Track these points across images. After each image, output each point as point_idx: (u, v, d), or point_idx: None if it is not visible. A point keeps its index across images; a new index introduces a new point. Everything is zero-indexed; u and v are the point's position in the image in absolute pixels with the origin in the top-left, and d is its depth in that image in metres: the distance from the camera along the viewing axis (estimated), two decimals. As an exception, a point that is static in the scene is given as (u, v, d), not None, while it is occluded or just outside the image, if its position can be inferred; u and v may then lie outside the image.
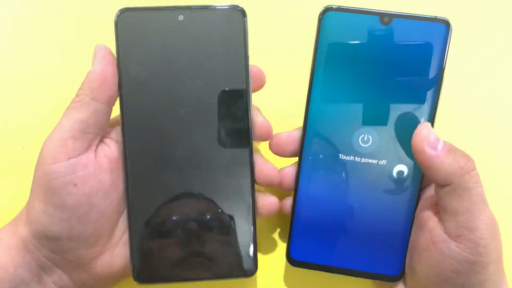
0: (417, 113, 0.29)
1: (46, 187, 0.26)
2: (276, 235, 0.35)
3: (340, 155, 0.30)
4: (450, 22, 0.28)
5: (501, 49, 0.37)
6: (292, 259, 0.30)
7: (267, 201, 0.30)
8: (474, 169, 0.26)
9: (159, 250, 0.29)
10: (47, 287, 0.28)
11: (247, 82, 0.29)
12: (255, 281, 0.34)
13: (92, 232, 0.28)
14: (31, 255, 0.28)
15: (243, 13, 0.29)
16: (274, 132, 0.31)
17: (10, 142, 0.35)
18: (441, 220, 0.27)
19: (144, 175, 0.29)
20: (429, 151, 0.26)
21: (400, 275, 0.30)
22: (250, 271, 0.30)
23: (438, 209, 0.28)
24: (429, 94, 0.29)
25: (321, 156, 0.30)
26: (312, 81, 0.29)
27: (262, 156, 0.31)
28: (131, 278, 0.29)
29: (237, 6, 0.29)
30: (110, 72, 0.28)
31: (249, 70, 0.29)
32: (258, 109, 0.31)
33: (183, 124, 0.29)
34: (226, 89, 0.29)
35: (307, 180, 0.30)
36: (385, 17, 0.28)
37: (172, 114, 0.29)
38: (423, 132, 0.27)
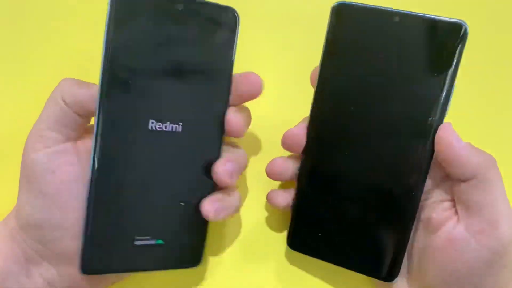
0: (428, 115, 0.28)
1: (27, 176, 0.28)
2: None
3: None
4: (467, 25, 0.28)
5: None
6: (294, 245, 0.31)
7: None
8: (496, 163, 0.27)
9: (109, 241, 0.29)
10: (34, 280, 0.29)
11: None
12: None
13: (73, 221, 0.28)
14: (18, 247, 0.29)
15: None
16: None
17: (10, 142, 0.35)
18: (461, 218, 0.27)
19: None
20: (457, 144, 0.27)
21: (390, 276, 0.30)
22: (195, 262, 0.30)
23: (455, 209, 0.28)
24: (439, 94, 0.28)
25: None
26: (320, 75, 0.29)
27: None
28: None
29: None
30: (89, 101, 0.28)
31: None
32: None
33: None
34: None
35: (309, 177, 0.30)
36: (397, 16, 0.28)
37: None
38: (450, 127, 0.27)
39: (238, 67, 0.29)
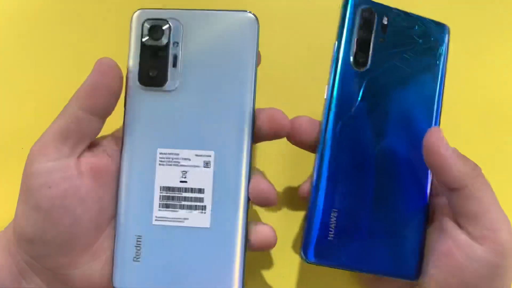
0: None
1: (25, 188, 0.27)
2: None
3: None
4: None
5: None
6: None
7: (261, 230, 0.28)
8: (481, 172, 0.27)
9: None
10: None
11: None
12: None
13: (66, 238, 0.27)
14: (12, 259, 0.28)
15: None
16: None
17: (10, 142, 0.35)
18: (462, 226, 0.27)
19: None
20: (444, 152, 0.26)
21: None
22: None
23: (456, 218, 0.28)
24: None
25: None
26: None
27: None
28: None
29: None
30: (100, 83, 0.27)
31: None
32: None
33: None
34: None
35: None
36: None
37: None
38: (439, 133, 0.27)
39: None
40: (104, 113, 0.28)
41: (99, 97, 0.27)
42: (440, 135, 0.27)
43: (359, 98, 0.29)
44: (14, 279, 0.28)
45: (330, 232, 0.29)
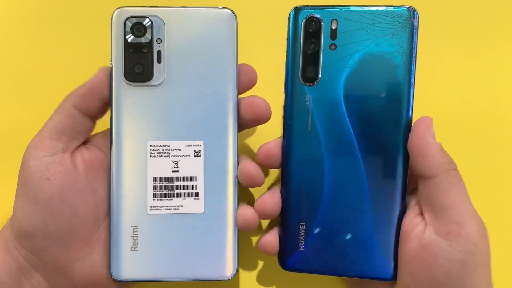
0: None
1: (23, 182, 0.28)
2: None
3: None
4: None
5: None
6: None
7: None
8: (457, 168, 0.28)
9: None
10: None
11: None
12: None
13: (65, 230, 0.28)
14: (11, 256, 0.28)
15: None
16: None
17: (10, 142, 0.35)
18: (428, 222, 0.27)
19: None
20: (429, 139, 0.27)
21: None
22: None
23: (423, 214, 0.28)
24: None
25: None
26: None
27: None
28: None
29: None
30: (98, 89, 0.29)
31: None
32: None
33: None
34: None
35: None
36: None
37: None
38: (430, 121, 0.28)
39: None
40: (96, 116, 0.30)
41: (94, 101, 0.29)
42: (431, 124, 0.28)
43: (314, 113, 0.29)
44: (13, 276, 0.28)
45: (300, 243, 0.30)
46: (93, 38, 0.36)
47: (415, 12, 0.28)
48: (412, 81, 0.29)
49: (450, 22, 0.37)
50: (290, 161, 0.30)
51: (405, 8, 0.28)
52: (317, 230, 0.30)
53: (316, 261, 0.30)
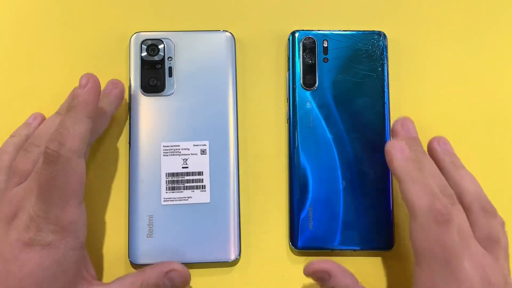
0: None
1: None
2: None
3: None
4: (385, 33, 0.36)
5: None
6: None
7: None
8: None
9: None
10: None
11: None
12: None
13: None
14: None
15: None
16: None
17: None
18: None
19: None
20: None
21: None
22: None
23: None
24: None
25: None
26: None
27: None
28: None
29: None
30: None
31: None
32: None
33: None
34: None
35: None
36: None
37: None
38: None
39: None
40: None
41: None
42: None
43: (314, 112, 0.35)
44: None
45: (310, 224, 0.35)
46: (97, 38, 0.38)
47: (384, 35, 0.37)
48: (386, 84, 0.36)
49: (450, 22, 0.39)
50: (296, 152, 0.35)
51: (376, 32, 0.37)
52: (322, 211, 0.35)
53: (325, 238, 0.35)
